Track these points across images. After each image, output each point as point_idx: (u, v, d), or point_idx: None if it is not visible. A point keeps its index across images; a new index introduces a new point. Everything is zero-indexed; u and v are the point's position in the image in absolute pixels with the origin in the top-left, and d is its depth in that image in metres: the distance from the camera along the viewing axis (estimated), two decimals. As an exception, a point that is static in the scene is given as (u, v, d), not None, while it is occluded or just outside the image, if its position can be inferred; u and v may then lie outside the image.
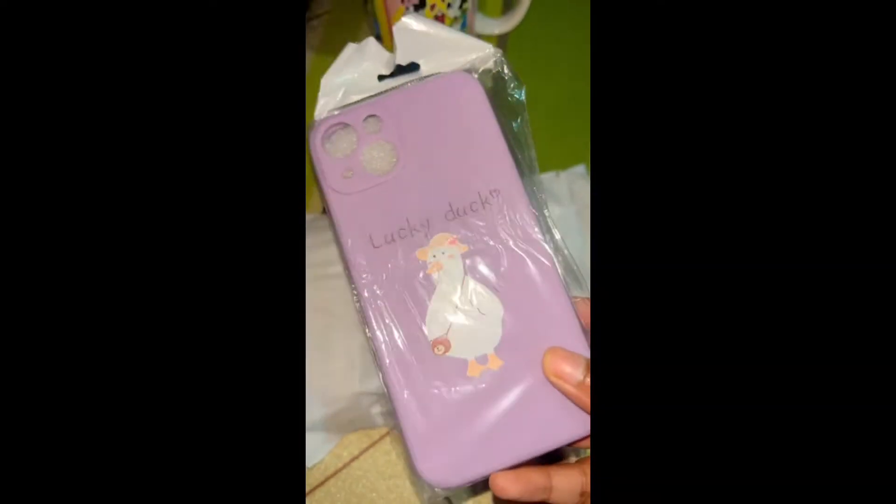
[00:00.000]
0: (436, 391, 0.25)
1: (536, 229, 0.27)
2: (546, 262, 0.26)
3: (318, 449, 0.33)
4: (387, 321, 0.26)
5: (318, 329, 0.33)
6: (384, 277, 0.27)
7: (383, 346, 0.25)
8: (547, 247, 0.26)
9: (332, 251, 0.34)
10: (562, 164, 0.38)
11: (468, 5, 0.40)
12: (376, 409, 0.33)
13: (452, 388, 0.25)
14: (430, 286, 0.27)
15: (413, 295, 0.27)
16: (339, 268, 0.34)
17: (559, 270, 0.26)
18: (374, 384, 0.32)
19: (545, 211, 0.28)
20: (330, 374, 0.32)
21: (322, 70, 0.28)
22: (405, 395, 0.25)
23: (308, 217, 0.37)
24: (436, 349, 0.26)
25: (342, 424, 0.33)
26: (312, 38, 0.44)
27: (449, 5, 0.39)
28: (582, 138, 0.37)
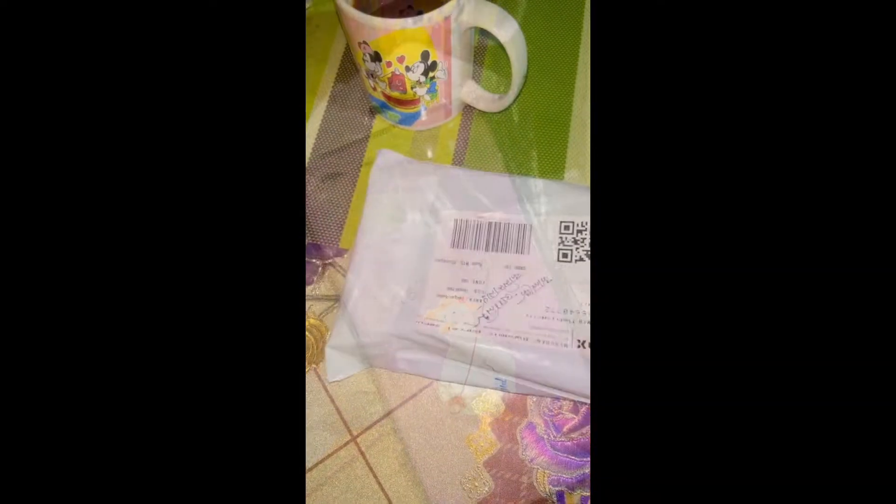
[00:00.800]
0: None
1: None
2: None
3: (343, 370, 0.34)
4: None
5: (379, 262, 0.34)
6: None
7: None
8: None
9: (414, 197, 0.35)
10: (552, 170, 0.39)
11: (439, 73, 0.36)
12: (401, 355, 0.33)
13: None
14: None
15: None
16: (414, 214, 0.35)
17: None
18: (404, 330, 0.32)
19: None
20: (370, 310, 0.33)
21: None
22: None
23: (400, 158, 0.38)
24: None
25: (367, 357, 0.34)
26: (313, 46, 0.44)
27: (408, 68, 0.34)
28: (567, 145, 0.39)
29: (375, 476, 0.33)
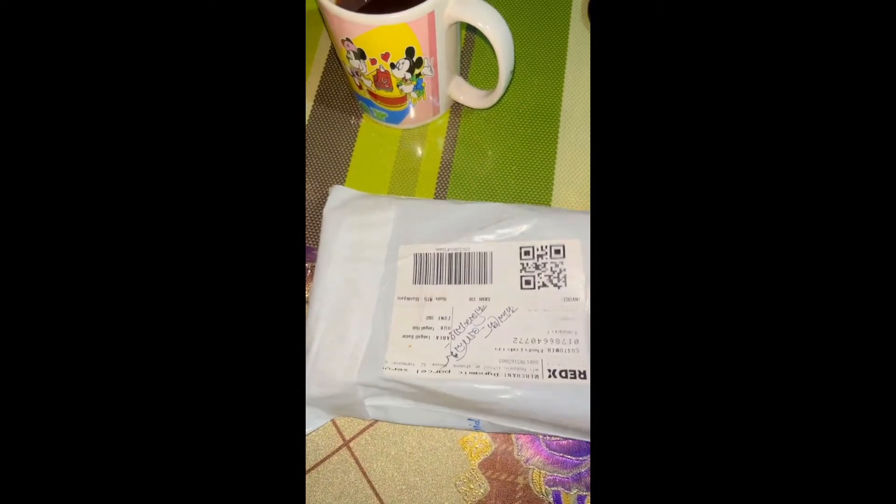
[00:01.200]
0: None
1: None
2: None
3: (310, 423, 0.34)
4: None
5: (340, 307, 0.33)
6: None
7: None
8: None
9: (370, 234, 0.35)
10: (542, 166, 0.39)
11: (425, 70, 0.35)
12: (370, 402, 0.33)
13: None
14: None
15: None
16: (372, 252, 0.35)
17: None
18: (370, 378, 0.32)
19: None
20: (334, 359, 0.32)
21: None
22: None
23: (354, 194, 0.37)
24: None
25: (335, 408, 0.33)
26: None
27: (394, 65, 0.34)
28: (557, 140, 0.38)
29: (369, 480, 0.33)
